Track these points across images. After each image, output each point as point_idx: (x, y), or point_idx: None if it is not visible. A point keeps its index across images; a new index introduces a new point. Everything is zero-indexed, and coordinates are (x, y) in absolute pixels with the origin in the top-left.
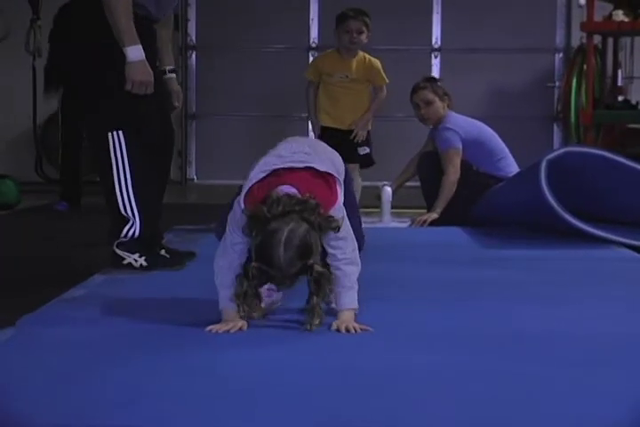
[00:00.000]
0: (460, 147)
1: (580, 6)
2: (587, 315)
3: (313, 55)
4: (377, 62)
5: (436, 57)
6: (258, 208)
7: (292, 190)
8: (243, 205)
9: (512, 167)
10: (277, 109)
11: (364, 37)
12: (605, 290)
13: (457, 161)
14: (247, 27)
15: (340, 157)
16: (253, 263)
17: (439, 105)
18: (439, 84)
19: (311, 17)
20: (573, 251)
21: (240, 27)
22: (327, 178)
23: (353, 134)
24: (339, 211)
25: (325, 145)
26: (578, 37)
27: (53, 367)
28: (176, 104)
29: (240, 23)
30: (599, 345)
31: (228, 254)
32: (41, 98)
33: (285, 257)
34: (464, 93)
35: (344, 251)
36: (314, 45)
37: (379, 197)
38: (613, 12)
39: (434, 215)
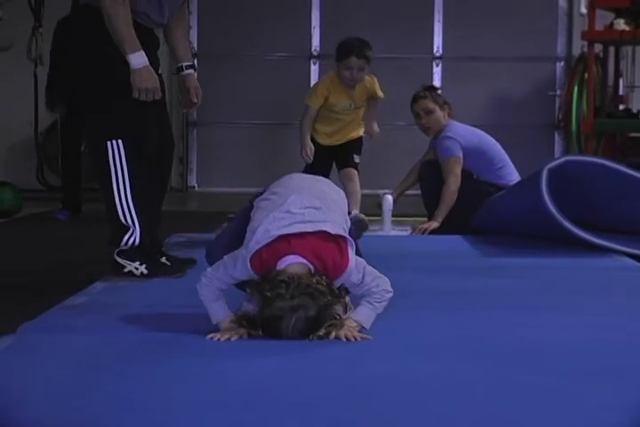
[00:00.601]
0: (461, 155)
1: (582, 15)
2: (588, 324)
3: (314, 63)
4: (373, 81)
5: (437, 65)
6: (263, 284)
7: (302, 261)
8: (250, 267)
9: (513, 176)
10: (279, 117)
11: (363, 73)
12: (607, 299)
13: (458, 170)
14: (249, 35)
15: (343, 193)
16: (260, 331)
17: (440, 114)
18: (439, 92)
19: (313, 25)
20: (574, 259)
21: (242, 35)
22: (339, 241)
23: (373, 137)
24: (350, 274)
25: (331, 184)
26: (579, 46)
27: (53, 375)
28: (195, 100)
29: (242, 31)
30: (600, 355)
31: (212, 286)
32: (43, 105)
33: (293, 334)
34: (465, 102)
35: (378, 296)
36: (315, 53)
37: (379, 206)
38: (615, 22)
39: (435, 224)
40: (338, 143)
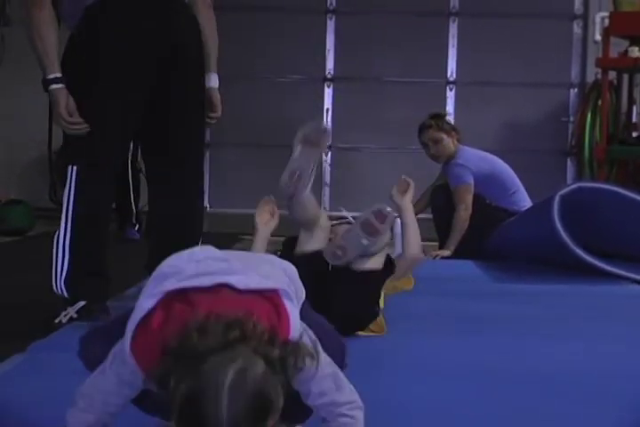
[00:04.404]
0: (472, 182)
1: (596, 42)
2: (598, 351)
3: (328, 86)
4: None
5: (451, 90)
6: (183, 339)
7: None
8: (131, 357)
9: (525, 201)
10: (292, 140)
11: None
12: (618, 327)
13: (468, 198)
14: (263, 56)
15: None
16: None
17: (448, 141)
18: (447, 118)
19: (327, 48)
20: (586, 286)
21: (256, 56)
22: (267, 295)
23: None
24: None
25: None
26: (593, 73)
27: (64, 393)
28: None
29: (256, 53)
30: (611, 382)
31: (94, 403)
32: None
33: (229, 416)
34: (478, 127)
35: (342, 392)
36: (329, 76)
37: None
38: (629, 49)
39: (446, 252)
40: None
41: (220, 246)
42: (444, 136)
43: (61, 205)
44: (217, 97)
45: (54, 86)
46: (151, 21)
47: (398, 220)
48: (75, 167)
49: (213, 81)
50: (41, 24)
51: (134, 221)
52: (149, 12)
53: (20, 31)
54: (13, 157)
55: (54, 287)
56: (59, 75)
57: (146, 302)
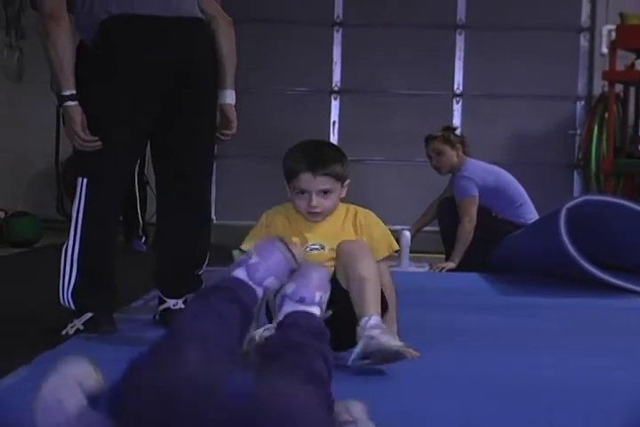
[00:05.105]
0: (477, 195)
1: (603, 55)
2: (604, 365)
3: (335, 99)
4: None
5: (457, 102)
6: None
7: None
8: None
9: (531, 214)
10: None
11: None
12: (624, 340)
13: (473, 210)
14: (269, 69)
15: None
16: None
17: (451, 153)
18: (456, 131)
19: (334, 60)
20: (591, 299)
21: (262, 69)
22: None
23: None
24: None
25: None
26: (600, 86)
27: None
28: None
29: (262, 65)
30: (616, 396)
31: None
32: (64, 136)
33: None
34: (485, 139)
35: None
36: (336, 89)
37: (397, 242)
38: (636, 62)
39: (451, 265)
40: None
41: (224, 258)
42: (448, 148)
43: (70, 217)
44: (233, 113)
45: (70, 103)
46: (167, 38)
47: (406, 232)
48: (85, 180)
49: (230, 97)
50: (58, 39)
51: (141, 233)
52: (165, 28)
53: (34, 43)
54: (21, 169)
55: (61, 299)
56: (74, 91)
57: None
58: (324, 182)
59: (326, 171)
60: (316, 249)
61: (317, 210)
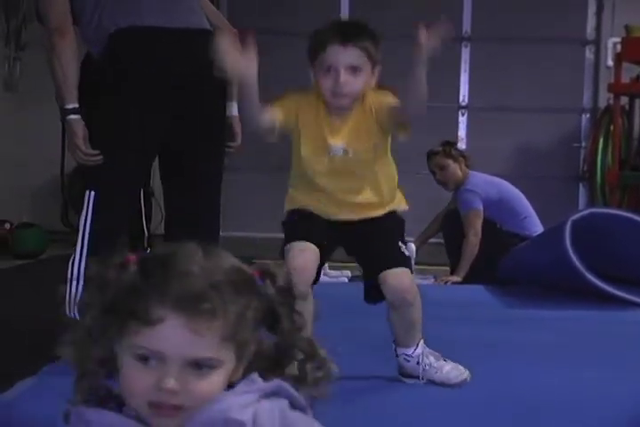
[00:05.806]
0: (481, 208)
1: (608, 68)
2: (611, 377)
3: None
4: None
5: (462, 115)
6: None
7: None
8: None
9: (536, 226)
10: None
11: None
12: (632, 353)
13: (478, 223)
14: (275, 81)
15: None
16: None
17: (454, 167)
18: (456, 146)
19: None
20: (597, 312)
21: (268, 81)
22: None
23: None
24: None
25: None
26: (605, 98)
27: None
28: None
29: (268, 77)
30: (626, 409)
31: None
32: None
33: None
34: (490, 152)
35: None
36: None
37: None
38: None
39: (456, 278)
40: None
41: None
42: (451, 162)
43: (77, 229)
44: (238, 125)
45: (72, 117)
46: (175, 50)
47: (411, 244)
48: (92, 193)
49: (235, 109)
50: (63, 52)
51: (146, 244)
52: (174, 40)
53: (34, 55)
54: (26, 181)
55: (67, 311)
56: (77, 105)
57: None
58: (354, 56)
59: (357, 42)
60: (339, 153)
61: (345, 89)
